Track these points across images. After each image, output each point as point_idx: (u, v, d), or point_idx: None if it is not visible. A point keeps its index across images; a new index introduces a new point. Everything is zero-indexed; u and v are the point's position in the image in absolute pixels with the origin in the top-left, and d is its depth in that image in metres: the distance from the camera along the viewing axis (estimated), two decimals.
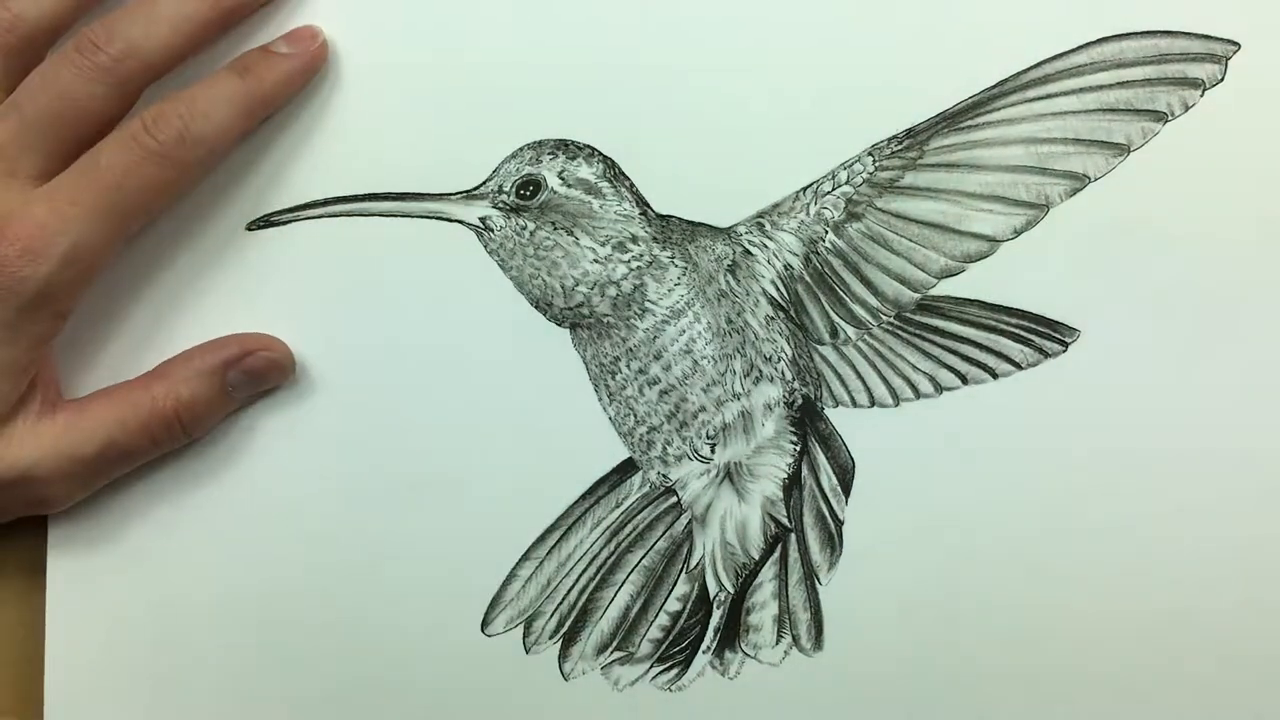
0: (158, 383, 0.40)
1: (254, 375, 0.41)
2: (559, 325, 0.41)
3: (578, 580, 0.42)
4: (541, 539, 0.41)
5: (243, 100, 0.39)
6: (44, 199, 0.37)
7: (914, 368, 0.41)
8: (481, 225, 0.41)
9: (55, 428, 0.39)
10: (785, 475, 0.42)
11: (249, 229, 0.41)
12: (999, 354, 0.41)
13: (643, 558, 0.42)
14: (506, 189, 0.41)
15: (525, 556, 0.41)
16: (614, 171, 0.41)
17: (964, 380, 0.41)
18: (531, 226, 0.41)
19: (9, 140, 0.37)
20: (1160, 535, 0.40)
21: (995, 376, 0.41)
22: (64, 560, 0.42)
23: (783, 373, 0.41)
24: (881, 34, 0.41)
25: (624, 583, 0.42)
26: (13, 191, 0.37)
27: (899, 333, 0.41)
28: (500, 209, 0.41)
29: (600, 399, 0.41)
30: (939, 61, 0.41)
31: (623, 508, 0.42)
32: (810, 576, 0.41)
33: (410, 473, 0.41)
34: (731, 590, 0.42)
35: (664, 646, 0.42)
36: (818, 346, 0.42)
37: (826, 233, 0.41)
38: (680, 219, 0.41)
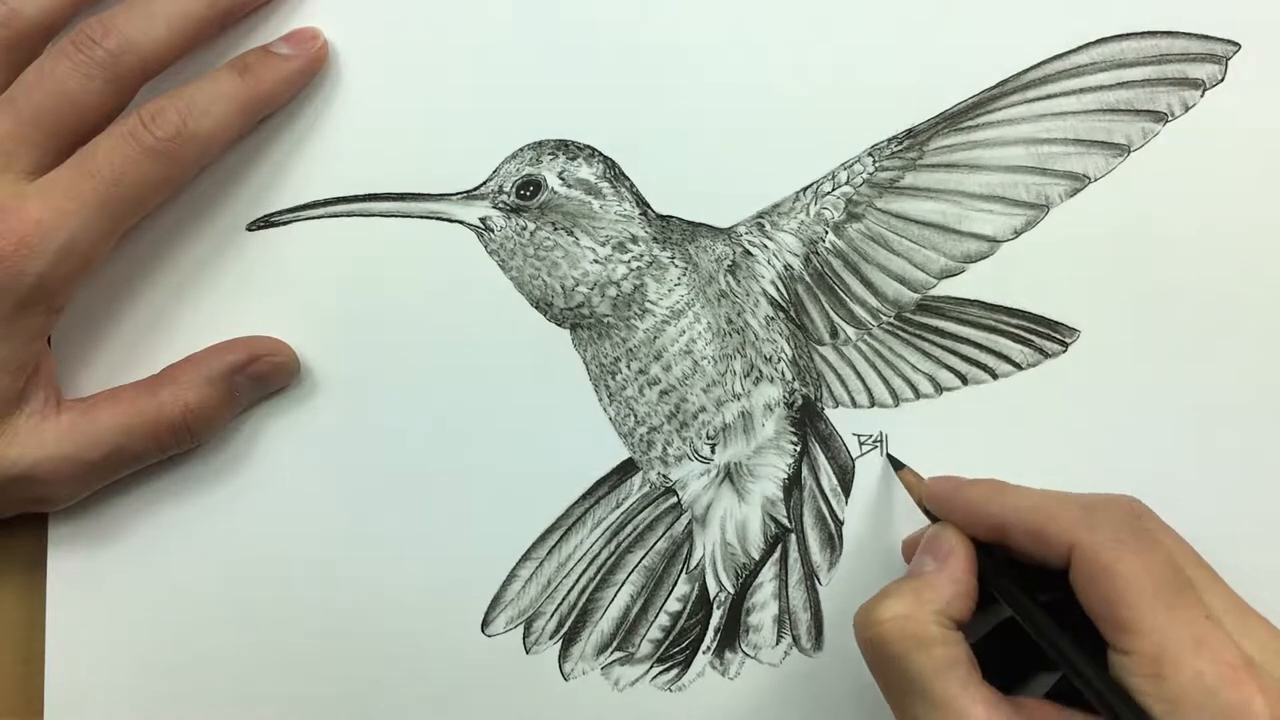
0: (164, 388, 0.40)
1: (261, 380, 0.41)
2: (559, 325, 0.41)
3: (578, 580, 0.42)
4: (541, 539, 0.41)
5: (242, 99, 0.39)
6: (40, 194, 0.37)
7: (914, 368, 0.41)
8: (482, 225, 0.41)
9: (59, 429, 0.39)
10: (785, 475, 0.42)
11: (249, 229, 0.41)
12: (999, 354, 0.41)
13: (643, 558, 0.42)
14: (507, 189, 0.41)
15: (525, 556, 0.41)
16: (614, 172, 0.41)
17: (964, 380, 0.41)
18: (532, 227, 0.41)
19: (4, 135, 0.37)
20: None
21: (995, 377, 0.41)
22: (64, 559, 0.42)
23: (783, 373, 0.41)
24: (881, 34, 0.41)
25: (624, 583, 0.42)
26: (8, 186, 0.37)
27: (899, 333, 0.41)
28: (500, 209, 0.41)
29: (600, 399, 0.41)
30: (939, 61, 0.41)
31: (623, 508, 0.42)
32: (810, 577, 0.42)
33: (410, 473, 0.41)
34: (732, 590, 0.42)
35: (664, 647, 0.42)
36: (818, 347, 0.42)
37: (826, 233, 0.41)
38: (680, 219, 0.41)
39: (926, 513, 0.39)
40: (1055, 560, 0.34)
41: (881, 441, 0.41)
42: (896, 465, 0.40)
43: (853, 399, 0.41)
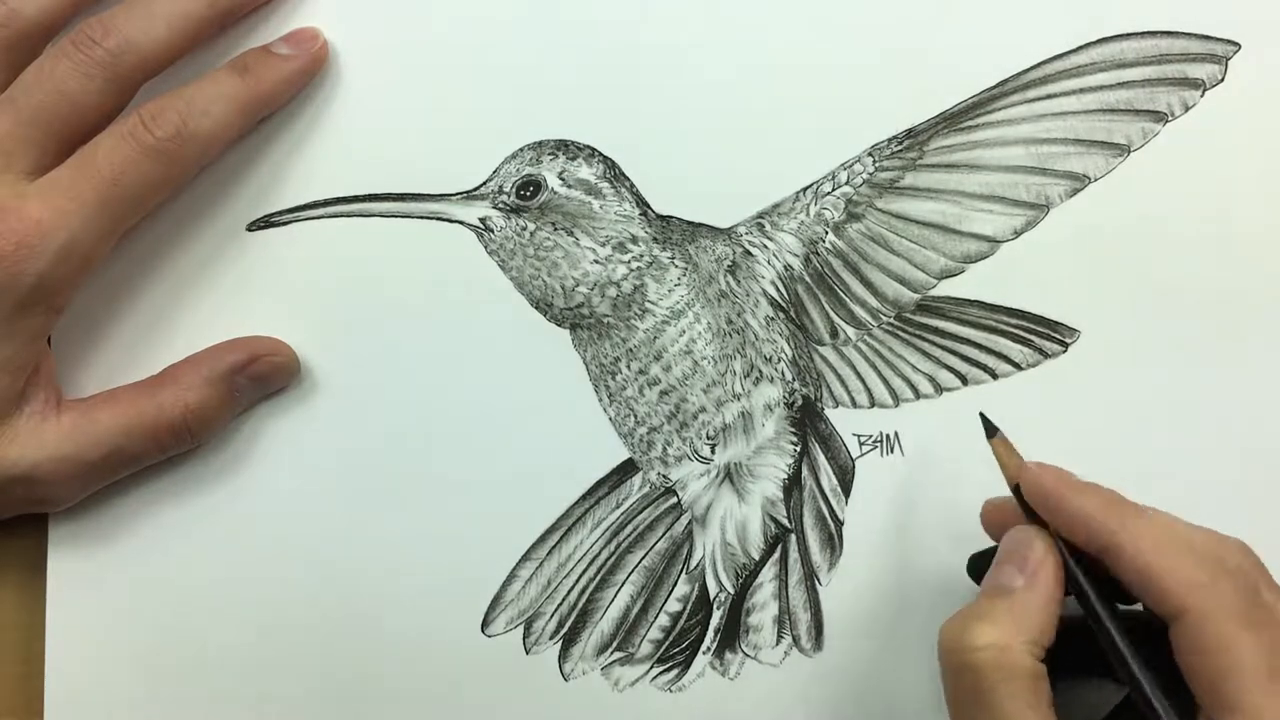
0: (165, 389, 0.40)
1: (261, 380, 0.41)
2: (559, 325, 0.41)
3: (578, 581, 0.42)
4: (541, 539, 0.41)
5: (241, 99, 0.39)
6: (40, 194, 0.37)
7: (914, 368, 0.41)
8: (482, 226, 0.41)
9: (59, 430, 0.39)
10: (785, 475, 0.42)
11: (249, 229, 0.41)
12: (999, 354, 0.41)
13: (643, 558, 0.42)
14: (507, 189, 0.41)
15: (525, 557, 0.41)
16: (614, 172, 0.41)
17: (964, 381, 0.41)
18: (532, 227, 0.41)
19: (4, 135, 0.37)
20: None
21: (995, 377, 0.41)
22: (64, 560, 0.41)
23: (783, 373, 0.41)
24: (882, 34, 0.41)
25: (624, 583, 0.42)
26: (8, 186, 0.37)
27: (899, 333, 0.41)
28: (500, 209, 0.41)
29: (600, 399, 0.41)
30: (939, 61, 0.41)
31: (623, 508, 0.42)
32: (810, 577, 0.42)
33: (410, 473, 0.41)
34: (732, 591, 0.42)
35: (664, 647, 0.42)
36: (818, 347, 0.42)
37: (826, 233, 0.41)
38: (680, 219, 0.41)
39: (1016, 492, 0.35)
40: (1160, 611, 0.32)
41: (881, 442, 0.41)
42: (990, 430, 0.36)
43: (853, 399, 0.41)
